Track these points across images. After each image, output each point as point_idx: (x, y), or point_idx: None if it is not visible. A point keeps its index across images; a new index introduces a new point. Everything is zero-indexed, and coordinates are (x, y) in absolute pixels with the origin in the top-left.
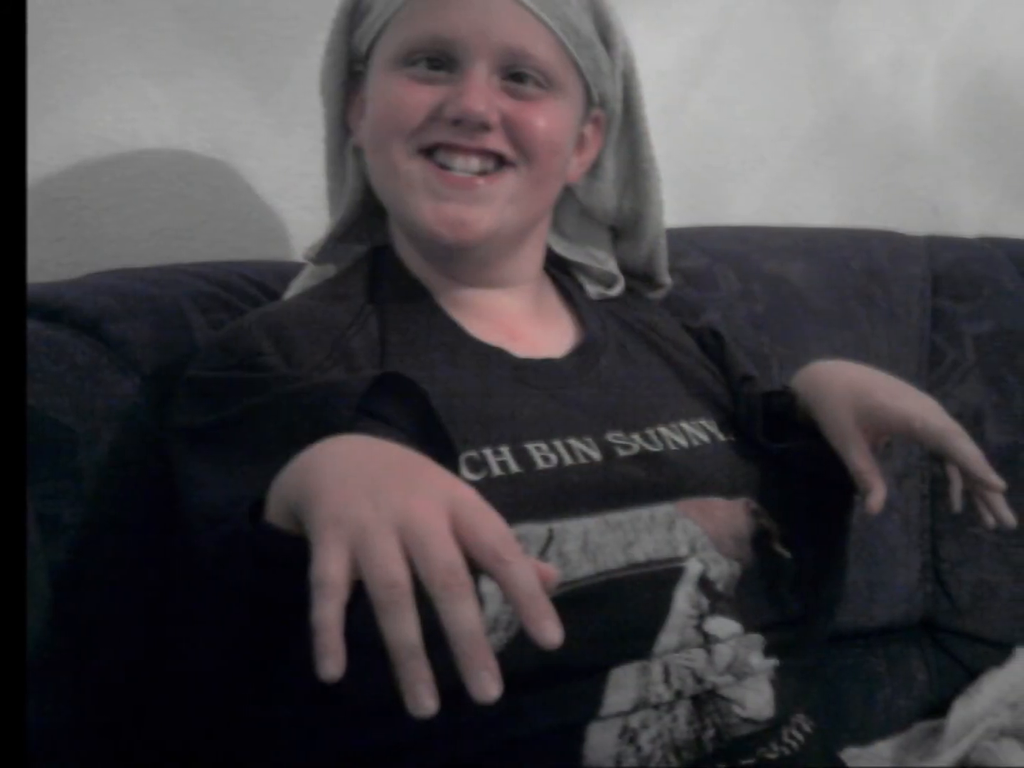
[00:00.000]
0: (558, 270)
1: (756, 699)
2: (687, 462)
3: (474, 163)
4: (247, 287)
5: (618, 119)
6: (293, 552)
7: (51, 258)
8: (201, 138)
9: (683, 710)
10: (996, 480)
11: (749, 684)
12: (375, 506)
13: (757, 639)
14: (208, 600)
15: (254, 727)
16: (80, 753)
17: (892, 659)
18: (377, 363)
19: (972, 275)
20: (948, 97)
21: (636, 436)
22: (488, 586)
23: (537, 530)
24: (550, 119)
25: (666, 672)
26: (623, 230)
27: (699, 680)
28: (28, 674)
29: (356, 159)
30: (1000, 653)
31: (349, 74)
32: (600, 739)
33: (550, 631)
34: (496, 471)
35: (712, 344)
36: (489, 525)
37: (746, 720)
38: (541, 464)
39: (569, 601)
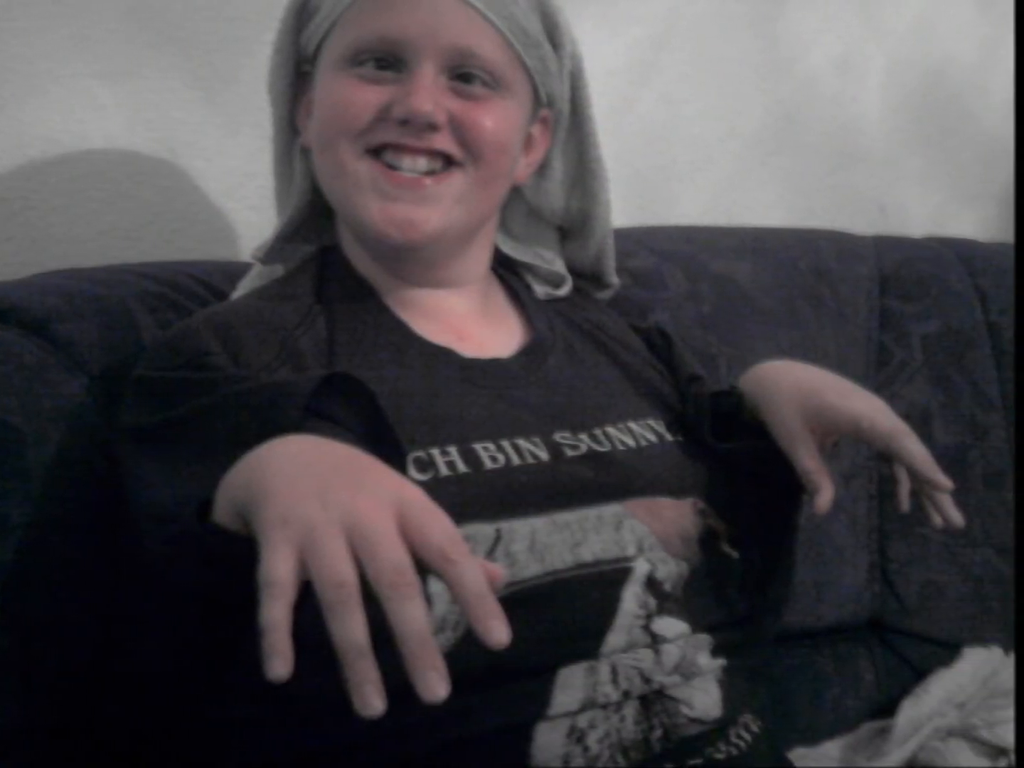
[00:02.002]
0: (506, 270)
1: (704, 699)
2: (635, 462)
3: (422, 163)
4: (195, 287)
5: (566, 119)
6: (241, 552)
7: None
8: (149, 138)
9: (631, 710)
10: (944, 480)
11: (697, 684)
12: (323, 506)
13: (705, 639)
14: (156, 600)
15: (204, 728)
16: (30, 755)
17: (840, 659)
18: (325, 363)
19: (920, 275)
20: (895, 98)
21: (584, 436)
22: (436, 586)
23: (485, 530)
24: (497, 119)
25: (614, 672)
26: (571, 230)
27: (647, 680)
28: None
29: (304, 159)
30: (948, 653)
31: (297, 74)
32: (548, 739)
33: (498, 631)
34: (444, 471)
35: (660, 344)
36: (437, 525)
37: (694, 720)
38: (489, 464)
39: (517, 601)
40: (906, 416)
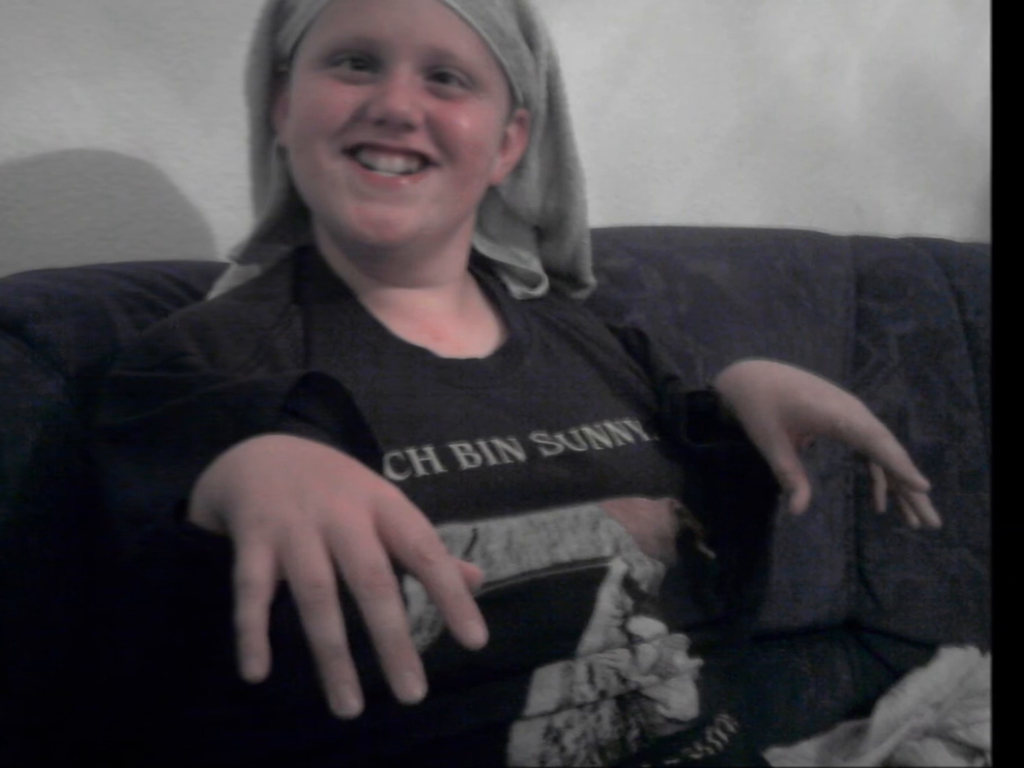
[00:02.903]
0: (482, 270)
1: (680, 699)
2: (611, 462)
3: (398, 163)
4: (171, 287)
5: (542, 119)
6: (217, 552)
7: None
8: (125, 138)
9: (607, 710)
10: (920, 480)
11: (673, 684)
12: (299, 506)
13: (681, 639)
14: (132, 600)
15: (180, 727)
16: (6, 755)
17: (816, 659)
18: (301, 363)
19: (896, 275)
20: (872, 97)
21: (560, 436)
22: (412, 586)
23: (461, 530)
24: (474, 119)
25: (590, 672)
26: (547, 230)
27: (623, 680)
28: None
29: (280, 159)
30: (924, 653)
31: (273, 74)
32: (524, 739)
33: (474, 631)
34: (420, 471)
35: (636, 344)
36: (413, 525)
37: (670, 720)
38: (465, 464)
39: (493, 601)
40: (883, 416)
